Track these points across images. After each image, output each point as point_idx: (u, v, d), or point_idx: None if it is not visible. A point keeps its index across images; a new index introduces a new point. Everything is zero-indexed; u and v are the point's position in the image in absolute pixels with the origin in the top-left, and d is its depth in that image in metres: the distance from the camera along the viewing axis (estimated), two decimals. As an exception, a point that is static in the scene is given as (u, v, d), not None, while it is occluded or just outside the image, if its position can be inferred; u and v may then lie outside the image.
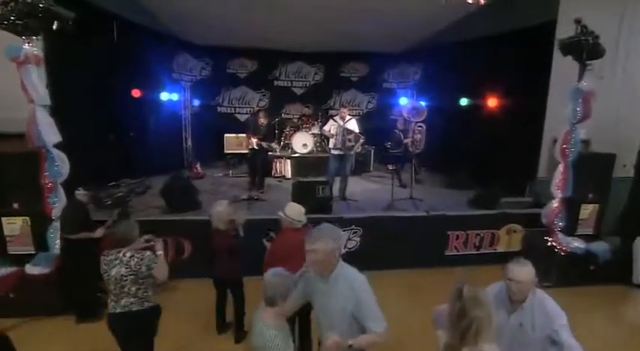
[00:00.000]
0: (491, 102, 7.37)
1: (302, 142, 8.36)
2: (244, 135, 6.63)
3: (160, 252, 2.76)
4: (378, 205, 5.84)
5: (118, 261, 2.57)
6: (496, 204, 5.84)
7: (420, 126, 7.21)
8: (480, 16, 7.11)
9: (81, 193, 3.81)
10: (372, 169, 8.85)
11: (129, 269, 2.55)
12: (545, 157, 6.59)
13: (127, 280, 2.56)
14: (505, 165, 7.06)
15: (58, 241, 3.80)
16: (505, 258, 5.63)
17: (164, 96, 8.11)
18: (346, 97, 10.49)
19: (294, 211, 3.16)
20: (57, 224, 3.82)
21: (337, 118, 6.10)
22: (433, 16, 7.31)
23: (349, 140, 5.76)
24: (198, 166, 7.93)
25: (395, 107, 10.36)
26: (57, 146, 3.89)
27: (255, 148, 6.46)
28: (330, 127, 5.99)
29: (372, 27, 7.77)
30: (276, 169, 7.94)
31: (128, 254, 2.58)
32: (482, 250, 5.62)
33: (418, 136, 7.16)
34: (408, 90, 10.13)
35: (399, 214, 5.34)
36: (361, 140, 5.93)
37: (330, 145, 6.04)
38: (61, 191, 3.94)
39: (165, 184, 5.66)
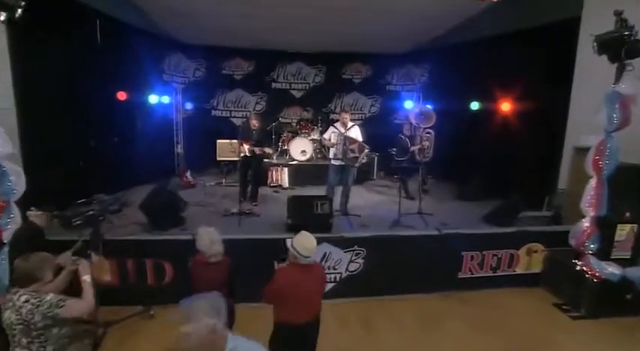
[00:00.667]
0: (506, 106, 6.79)
1: (300, 149, 7.81)
2: (237, 141, 6.08)
3: (86, 277, 2.23)
4: (384, 220, 5.26)
5: (10, 304, 2.03)
6: (514, 220, 5.26)
7: (428, 132, 6.65)
8: (493, 14, 6.57)
9: (33, 214, 3.24)
10: (375, 177, 8.29)
11: (19, 317, 2.00)
12: (567, 166, 6.04)
13: (16, 329, 2.01)
14: (521, 175, 6.48)
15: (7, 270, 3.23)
16: (525, 280, 5.15)
17: (153, 99, 7.58)
18: (348, 100, 9.94)
19: (301, 244, 2.56)
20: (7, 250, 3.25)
21: (338, 124, 5.52)
22: (441, 14, 6.79)
23: (351, 151, 5.17)
24: (188, 174, 7.38)
25: (400, 111, 9.85)
26: (10, 158, 3.33)
27: (248, 154, 5.90)
28: (330, 135, 5.40)
29: (375, 26, 7.25)
30: (272, 178, 7.37)
31: (23, 298, 2.02)
32: (499, 272, 5.03)
33: (426, 144, 6.60)
34: (413, 93, 9.56)
35: (407, 233, 4.75)
36: (366, 150, 5.34)
37: (331, 155, 5.44)
38: (16, 211, 3.37)
39: (147, 196, 5.11)
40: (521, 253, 5.05)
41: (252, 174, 6.22)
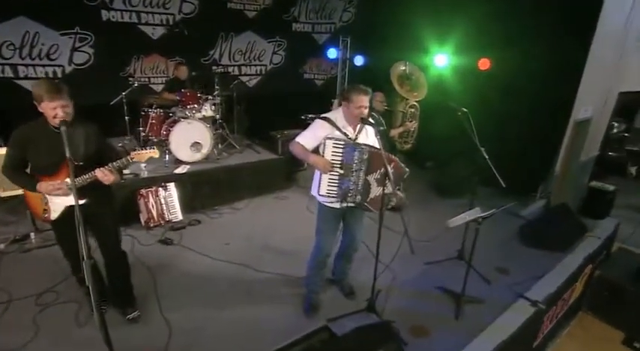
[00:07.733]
0: (484, 63, 5.02)
1: (189, 140, 4.38)
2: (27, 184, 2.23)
3: None
4: (418, 291, 2.94)
5: None
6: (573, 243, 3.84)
7: (413, 106, 4.34)
8: None
9: None
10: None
11: None
12: (568, 145, 4.89)
13: None
14: (513, 156, 5.02)
15: None
16: (569, 311, 3.42)
17: None
18: (239, 44, 6.51)
19: None
20: None
21: (337, 115, 2.44)
22: None
23: (376, 180, 2.37)
24: None
25: (313, 61, 7.17)
26: None
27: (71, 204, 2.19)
28: (323, 142, 2.38)
29: None
30: (147, 214, 3.83)
31: None
32: (558, 316, 3.59)
33: (413, 124, 4.32)
34: (337, 36, 6.85)
35: (503, 337, 2.54)
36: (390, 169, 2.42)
37: (322, 191, 2.40)
38: None
39: None
40: (579, 283, 3.70)
41: (97, 239, 2.40)
